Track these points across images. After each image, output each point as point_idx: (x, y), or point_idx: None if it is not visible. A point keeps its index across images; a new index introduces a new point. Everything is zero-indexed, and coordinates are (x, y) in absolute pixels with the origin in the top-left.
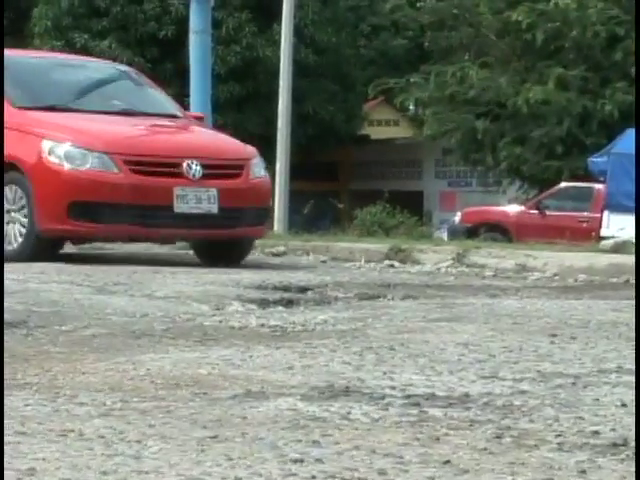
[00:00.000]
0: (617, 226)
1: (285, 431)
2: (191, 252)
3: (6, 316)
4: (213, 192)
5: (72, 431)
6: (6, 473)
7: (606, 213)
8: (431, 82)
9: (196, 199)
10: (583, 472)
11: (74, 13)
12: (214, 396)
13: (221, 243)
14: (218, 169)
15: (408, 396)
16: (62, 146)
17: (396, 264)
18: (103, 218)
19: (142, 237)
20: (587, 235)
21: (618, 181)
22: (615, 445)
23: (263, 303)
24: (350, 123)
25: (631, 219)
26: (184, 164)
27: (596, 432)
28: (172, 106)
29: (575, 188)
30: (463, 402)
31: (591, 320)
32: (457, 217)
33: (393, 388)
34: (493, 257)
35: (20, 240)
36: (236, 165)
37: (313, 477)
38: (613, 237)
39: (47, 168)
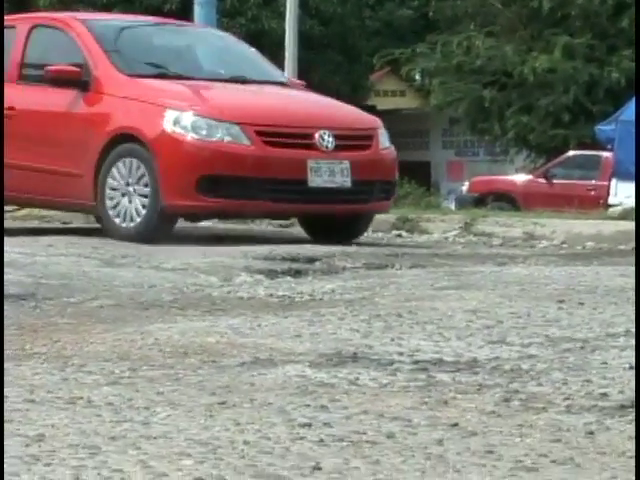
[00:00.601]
0: (625, 194)
1: (293, 397)
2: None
3: (15, 289)
4: (346, 165)
5: (80, 398)
6: (15, 439)
7: (614, 181)
8: (437, 52)
9: (329, 172)
10: (591, 433)
11: None
12: (222, 364)
13: (343, 219)
14: (349, 140)
15: (416, 361)
16: (188, 116)
17: (404, 234)
18: (234, 193)
19: (274, 213)
20: (595, 203)
21: (626, 149)
22: (623, 407)
23: (271, 273)
24: (356, 94)
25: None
26: (316, 135)
27: (604, 394)
28: (278, 72)
29: (582, 156)
30: (471, 367)
31: (599, 286)
32: (464, 187)
33: (401, 354)
34: (501, 226)
35: (139, 218)
36: (366, 135)
37: (321, 440)
38: (621, 204)
39: (173, 139)
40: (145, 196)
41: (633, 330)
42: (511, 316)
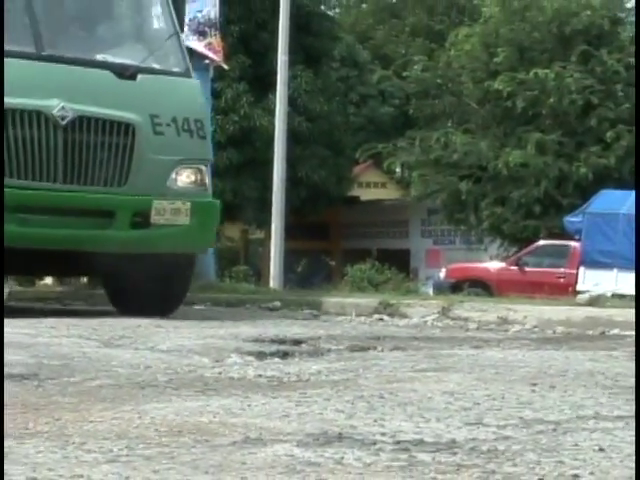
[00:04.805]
0: (592, 281)
1: (282, 475)
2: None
3: (18, 369)
4: None
5: (81, 476)
6: None
7: (582, 269)
8: (416, 147)
9: None
10: None
11: None
12: (215, 443)
13: None
14: None
15: (398, 442)
16: None
17: (385, 318)
18: None
19: None
20: (564, 290)
21: (592, 239)
22: None
23: (260, 355)
24: (341, 185)
25: (605, 274)
26: None
27: (576, 475)
28: None
29: (552, 246)
30: (450, 447)
31: (569, 370)
32: (442, 273)
33: (383, 434)
34: (476, 311)
35: None
36: None
37: None
38: (589, 291)
39: None
40: None
41: (602, 413)
42: (487, 398)
